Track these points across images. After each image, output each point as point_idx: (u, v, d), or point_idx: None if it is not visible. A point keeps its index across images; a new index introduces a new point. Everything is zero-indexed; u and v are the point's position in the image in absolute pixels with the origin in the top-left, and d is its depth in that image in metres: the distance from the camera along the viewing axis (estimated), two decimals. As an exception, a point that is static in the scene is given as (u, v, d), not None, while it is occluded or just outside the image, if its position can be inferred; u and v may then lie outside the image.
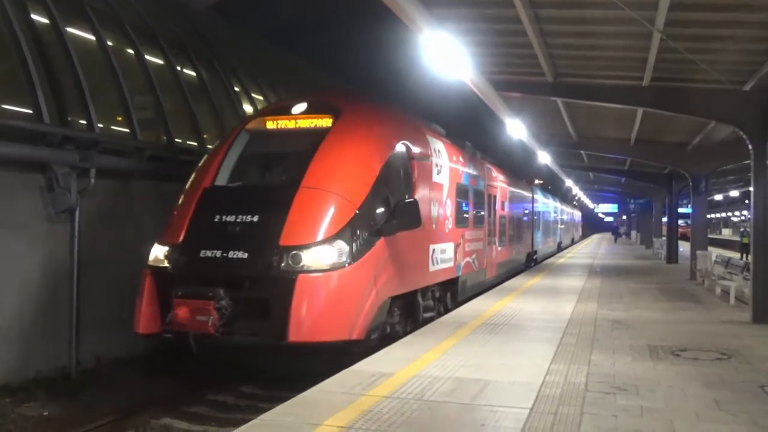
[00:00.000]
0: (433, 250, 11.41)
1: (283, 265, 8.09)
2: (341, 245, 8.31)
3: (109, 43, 12.50)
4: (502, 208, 19.42)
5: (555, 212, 38.54)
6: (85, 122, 11.02)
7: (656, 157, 23.40)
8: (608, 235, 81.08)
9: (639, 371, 7.55)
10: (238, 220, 8.52)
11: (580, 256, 34.19)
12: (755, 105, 11.77)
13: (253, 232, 8.38)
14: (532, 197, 27.04)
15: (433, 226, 11.37)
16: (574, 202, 66.11)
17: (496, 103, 13.88)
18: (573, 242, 55.41)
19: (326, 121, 9.60)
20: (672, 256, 27.83)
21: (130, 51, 13.27)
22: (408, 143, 10.46)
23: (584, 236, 77.29)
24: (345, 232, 8.41)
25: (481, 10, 9.72)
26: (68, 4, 11.92)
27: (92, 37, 12.19)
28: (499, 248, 18.77)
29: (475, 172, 15.33)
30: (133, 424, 8.12)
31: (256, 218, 8.48)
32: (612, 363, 7.97)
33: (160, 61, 14.18)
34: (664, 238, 32.37)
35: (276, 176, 9.58)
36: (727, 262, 16.61)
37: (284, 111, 10.13)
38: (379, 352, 8.43)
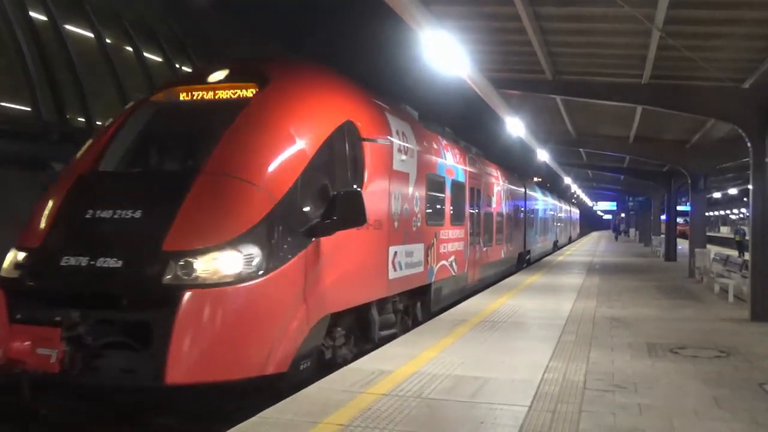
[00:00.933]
0: (395, 253, 9.40)
1: (168, 276, 6.02)
2: (252, 249, 6.27)
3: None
4: (489, 204, 17.51)
5: (550, 209, 36.59)
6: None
7: (655, 155, 23.43)
8: (607, 233, 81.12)
9: (638, 369, 7.55)
10: (116, 216, 6.45)
11: (579, 254, 34.21)
12: (754, 103, 11.77)
13: (133, 233, 6.36)
14: (525, 193, 25.22)
15: (395, 223, 9.38)
16: (573, 200, 66.15)
17: (495, 100, 13.89)
18: (570, 240, 53.51)
19: (250, 91, 7.61)
20: (671, 253, 27.86)
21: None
22: (357, 122, 8.32)
23: (583, 234, 76.65)
24: (258, 231, 6.35)
25: (480, 8, 9.71)
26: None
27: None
28: (485, 249, 16.73)
29: (454, 163, 13.43)
30: None
31: (138, 214, 6.43)
32: (611, 361, 7.97)
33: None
34: (662, 236, 32.40)
35: (175, 160, 7.72)
36: (725, 260, 16.62)
37: (201, 79, 8.08)
38: (377, 350, 8.43)
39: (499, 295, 14.56)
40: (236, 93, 7.65)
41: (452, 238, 13.05)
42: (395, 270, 9.48)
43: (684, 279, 19.57)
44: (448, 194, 12.73)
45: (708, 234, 30.38)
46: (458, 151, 14.20)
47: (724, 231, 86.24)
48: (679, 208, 36.06)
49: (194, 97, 7.79)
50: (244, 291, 6.18)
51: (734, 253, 27.82)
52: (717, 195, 60.41)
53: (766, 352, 8.73)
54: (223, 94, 7.68)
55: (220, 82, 7.82)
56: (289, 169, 6.98)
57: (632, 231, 64.81)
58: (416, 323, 10.85)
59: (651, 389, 6.66)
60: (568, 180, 39.91)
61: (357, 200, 7.27)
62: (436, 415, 5.70)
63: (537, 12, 9.52)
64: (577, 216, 68.04)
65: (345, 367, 7.37)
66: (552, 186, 47.64)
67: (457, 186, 13.58)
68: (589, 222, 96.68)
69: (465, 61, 10.67)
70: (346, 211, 7.12)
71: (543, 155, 23.56)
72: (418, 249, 10.67)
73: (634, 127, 18.53)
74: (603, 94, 13.63)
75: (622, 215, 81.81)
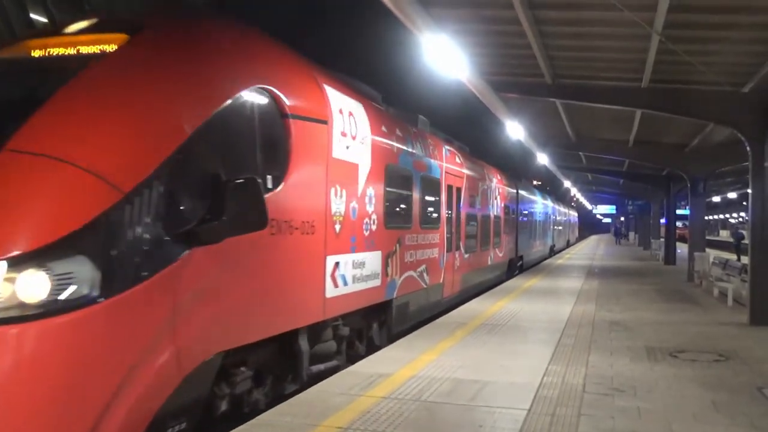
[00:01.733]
0: (336, 264, 7.50)
1: None
2: (70, 266, 4.25)
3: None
4: (472, 205, 15.63)
5: (546, 212, 34.65)
6: None
7: (654, 159, 23.45)
8: (606, 237, 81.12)
9: (637, 373, 7.55)
10: None
11: (578, 258, 34.21)
12: (754, 107, 11.80)
13: None
14: (517, 194, 23.54)
15: (335, 227, 7.48)
16: (572, 203, 66.10)
17: (494, 103, 13.90)
18: (568, 245, 52.11)
19: (113, 44, 5.44)
20: (670, 257, 27.87)
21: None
22: (277, 91, 6.31)
23: (582, 238, 76.15)
24: (88, 237, 4.36)
25: (480, 11, 9.73)
26: None
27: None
28: (467, 255, 14.91)
29: (427, 156, 11.65)
30: None
31: None
32: (610, 364, 7.97)
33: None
34: (662, 240, 32.40)
35: None
36: (724, 264, 16.63)
37: (61, 30, 6.11)
38: (376, 353, 8.43)
39: (499, 298, 14.56)
40: (99, 46, 5.46)
41: (423, 243, 11.25)
42: (337, 286, 7.50)
43: (683, 283, 19.58)
44: (417, 192, 10.96)
45: (707, 238, 30.37)
46: (433, 143, 12.42)
47: (724, 234, 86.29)
48: (678, 211, 36.11)
49: (48, 53, 5.64)
50: (52, 329, 4.10)
51: (733, 256, 27.86)
52: (716, 199, 60.52)
53: (765, 356, 8.73)
54: (85, 49, 5.49)
55: (81, 32, 5.78)
56: (150, 148, 4.87)
57: (631, 234, 64.86)
58: (373, 348, 9.13)
59: (650, 393, 6.66)
60: (567, 183, 39.94)
61: (252, 193, 5.20)
62: (436, 418, 5.70)
63: (536, 16, 9.54)
64: (576, 219, 67.07)
65: (344, 370, 7.37)
66: (549, 187, 47.57)
67: (430, 183, 11.84)
68: (589, 225, 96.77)
69: (464, 65, 10.68)
70: (237, 208, 5.10)
71: (542, 158, 23.57)
72: (373, 258, 8.80)
73: (633, 131, 18.55)
74: (602, 97, 13.65)
75: (622, 219, 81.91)
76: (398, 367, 7.49)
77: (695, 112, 13.31)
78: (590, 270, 24.60)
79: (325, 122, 7.29)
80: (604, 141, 22.13)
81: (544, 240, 33.63)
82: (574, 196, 54.91)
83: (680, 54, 10.06)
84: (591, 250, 44.76)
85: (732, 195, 51.82)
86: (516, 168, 31.36)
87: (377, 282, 9.01)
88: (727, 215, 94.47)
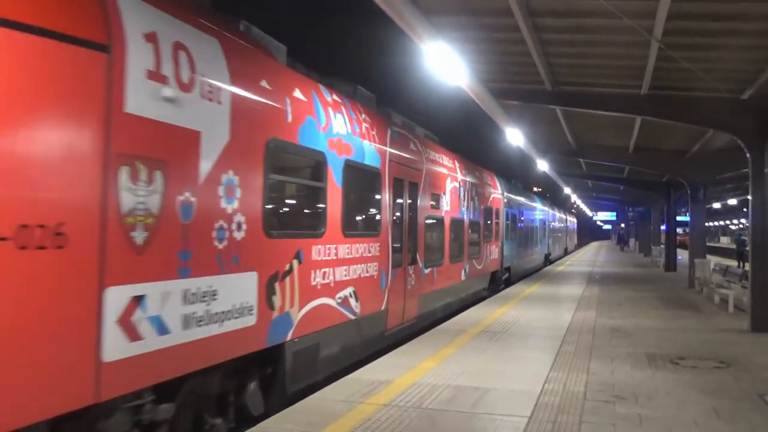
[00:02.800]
0: (135, 300, 4.60)
1: None
2: None
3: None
4: (437, 207, 12.73)
5: (540, 217, 31.60)
6: None
7: (655, 165, 23.48)
8: (607, 243, 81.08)
9: (638, 379, 7.54)
10: None
11: (579, 264, 34.18)
12: (753, 113, 11.84)
13: None
14: (503, 195, 20.51)
15: (133, 235, 4.62)
16: (573, 210, 65.97)
17: (494, 110, 13.92)
18: (566, 253, 49.39)
19: None
20: (670, 264, 27.87)
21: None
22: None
23: (581, 245, 75.18)
24: None
25: (480, 19, 9.76)
26: None
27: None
28: (428, 270, 11.91)
29: (355, 135, 8.59)
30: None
31: None
32: (611, 371, 7.96)
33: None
34: (662, 246, 32.38)
35: None
36: (725, 271, 16.62)
37: None
38: (377, 360, 8.41)
39: (499, 305, 14.55)
40: None
41: (349, 257, 8.28)
42: (137, 337, 4.60)
43: (684, 289, 19.55)
44: (335, 185, 7.89)
45: (708, 244, 30.35)
46: (371, 121, 9.36)
47: (724, 241, 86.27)
48: (678, 218, 36.13)
49: None
50: None
51: (734, 263, 27.85)
52: (717, 205, 60.51)
53: (766, 362, 8.72)
54: None
55: None
56: None
57: (632, 241, 64.87)
58: (248, 423, 6.13)
59: (651, 400, 6.65)
60: (567, 190, 39.95)
61: None
62: (437, 425, 5.69)
63: (536, 23, 9.57)
64: (575, 225, 65.14)
65: (344, 378, 7.36)
66: (548, 194, 47.30)
67: (361, 174, 8.91)
68: (589, 232, 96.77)
69: (464, 72, 10.71)
70: None
71: (543, 165, 23.59)
72: (239, 284, 5.88)
73: (633, 137, 18.58)
74: (602, 104, 13.68)
75: (622, 225, 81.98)
76: (399, 374, 7.48)
77: (695, 118, 13.33)
78: (591, 276, 24.58)
79: (103, 48, 4.37)
80: (604, 147, 22.17)
81: (537, 248, 30.28)
82: (575, 202, 54.78)
83: (680, 61, 10.09)
84: (591, 256, 44.73)
85: (732, 201, 51.78)
86: (517, 174, 30.92)
87: (249, 320, 5.99)
88: (728, 222, 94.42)
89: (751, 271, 11.85)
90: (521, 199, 25.18)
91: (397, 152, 10.31)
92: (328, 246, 7.71)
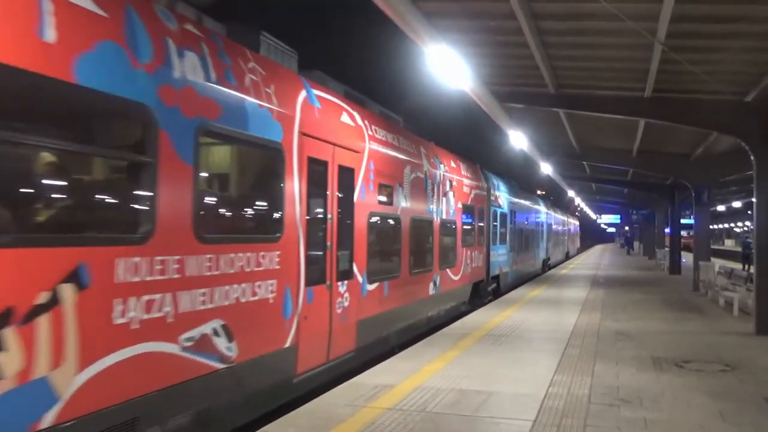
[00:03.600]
0: None
1: None
2: None
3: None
4: (390, 202, 9.98)
5: (537, 219, 28.74)
6: None
7: (658, 168, 23.45)
8: (611, 246, 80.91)
9: (643, 383, 7.51)
10: None
11: (583, 268, 34.12)
12: (757, 116, 11.81)
13: None
14: (489, 192, 17.69)
15: None
16: (577, 213, 65.77)
17: (497, 113, 13.92)
18: (568, 257, 46.70)
19: None
20: (675, 266, 27.81)
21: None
22: None
23: (584, 248, 74.04)
24: None
25: (483, 22, 9.76)
26: None
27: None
28: (373, 287, 9.17)
29: (213, 84, 5.75)
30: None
31: None
32: (615, 374, 7.94)
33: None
34: (666, 249, 32.32)
35: None
36: (730, 273, 16.57)
37: None
38: (381, 364, 8.40)
39: (503, 308, 14.52)
40: None
41: (210, 275, 5.60)
42: None
43: (688, 292, 19.50)
44: (176, 158, 5.25)
45: (712, 247, 30.25)
46: (262, 72, 6.58)
47: (729, 244, 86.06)
48: (682, 220, 36.05)
49: None
50: None
51: (739, 266, 27.75)
52: (721, 208, 60.37)
53: (772, 365, 8.69)
54: None
55: None
56: None
57: (636, 244, 64.75)
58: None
59: (656, 403, 6.63)
60: (571, 193, 39.90)
61: None
62: (441, 429, 5.68)
63: (539, 26, 9.57)
64: (577, 228, 62.87)
65: (347, 382, 7.34)
66: (547, 194, 46.83)
67: (238, 145, 6.39)
68: (592, 235, 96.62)
69: (467, 74, 10.71)
70: None
71: (546, 168, 23.57)
72: None
73: (636, 140, 18.55)
74: (605, 107, 13.67)
75: (626, 228, 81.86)
76: (403, 378, 7.47)
77: (698, 121, 13.31)
78: (595, 279, 24.54)
79: None
80: (608, 150, 22.15)
81: (533, 253, 27.49)
82: (578, 205, 54.64)
83: (683, 63, 10.08)
84: (595, 259, 44.64)
85: (737, 204, 51.66)
86: (520, 177, 30.45)
87: None
88: (732, 224, 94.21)
89: (756, 273, 11.81)
90: (513, 197, 22.30)
91: (316, 123, 7.49)
92: (158, 258, 5.00)
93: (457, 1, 8.92)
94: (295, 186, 6.97)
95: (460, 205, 14.38)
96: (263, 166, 6.90)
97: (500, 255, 19.23)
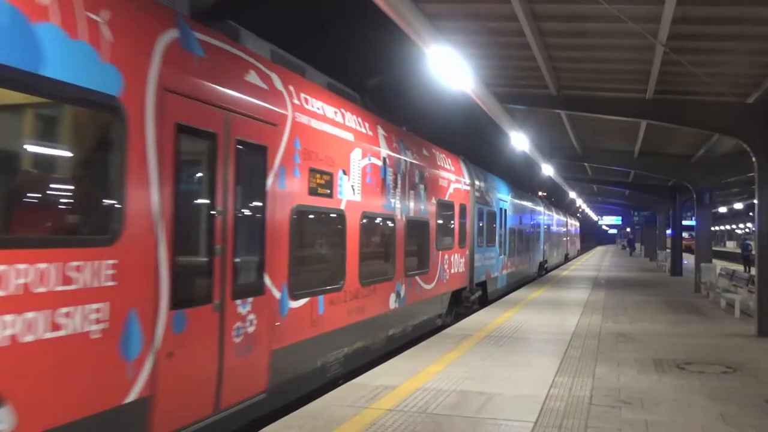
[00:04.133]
0: None
1: None
2: None
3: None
4: (323, 193, 7.69)
5: (532, 220, 26.74)
6: None
7: (660, 170, 23.44)
8: (612, 248, 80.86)
9: (644, 384, 7.51)
10: None
11: (584, 269, 34.10)
12: (759, 117, 11.81)
13: None
14: (472, 188, 15.45)
15: None
16: (578, 214, 65.68)
17: (499, 115, 13.91)
18: (567, 259, 45.34)
19: None
20: (676, 268, 27.80)
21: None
22: None
23: (585, 250, 73.58)
24: None
25: (485, 23, 9.77)
26: None
27: None
28: (297, 304, 6.95)
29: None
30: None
31: None
32: (617, 376, 7.93)
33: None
34: (668, 251, 32.30)
35: None
36: (731, 275, 16.56)
37: None
38: (382, 365, 8.41)
39: (504, 309, 14.52)
40: None
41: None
42: None
43: (690, 294, 19.47)
44: None
45: (714, 248, 30.23)
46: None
47: (731, 246, 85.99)
48: (684, 222, 36.02)
49: None
50: None
51: (741, 267, 27.76)
52: (723, 209, 60.33)
53: (774, 367, 8.68)
54: None
55: None
56: None
57: (637, 245, 64.71)
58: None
59: (658, 405, 6.63)
60: (573, 194, 39.88)
61: None
62: (442, 431, 5.68)
63: (541, 28, 9.58)
64: (577, 229, 61.55)
65: (349, 383, 7.35)
66: (549, 195, 46.71)
67: (25, 98, 3.93)
68: (593, 236, 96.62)
69: (469, 76, 10.71)
70: None
71: (548, 169, 23.57)
72: None
73: (638, 142, 18.56)
74: (607, 109, 13.67)
75: (628, 230, 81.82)
76: (404, 379, 7.47)
77: (700, 122, 13.31)
78: (596, 281, 24.52)
79: None
80: (609, 152, 22.15)
81: (527, 256, 25.15)
82: (579, 207, 54.60)
83: (685, 65, 10.08)
84: (596, 261, 44.61)
85: (738, 206, 51.65)
86: (522, 179, 30.35)
87: None
88: (734, 226, 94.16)
89: (758, 275, 11.81)
90: (504, 195, 19.94)
91: (194, 77, 5.37)
92: None
93: (459, 3, 8.93)
94: (149, 164, 4.80)
95: (434, 201, 12.23)
96: (81, 130, 4.54)
97: (488, 259, 17.20)
